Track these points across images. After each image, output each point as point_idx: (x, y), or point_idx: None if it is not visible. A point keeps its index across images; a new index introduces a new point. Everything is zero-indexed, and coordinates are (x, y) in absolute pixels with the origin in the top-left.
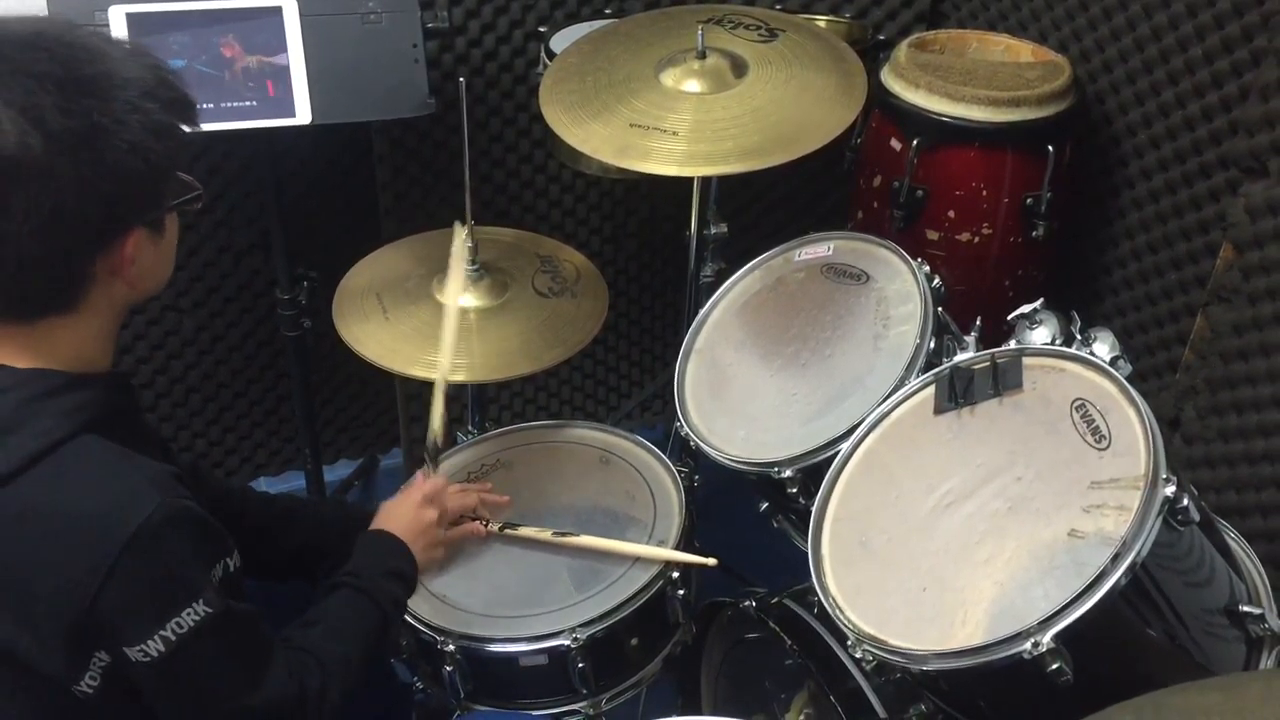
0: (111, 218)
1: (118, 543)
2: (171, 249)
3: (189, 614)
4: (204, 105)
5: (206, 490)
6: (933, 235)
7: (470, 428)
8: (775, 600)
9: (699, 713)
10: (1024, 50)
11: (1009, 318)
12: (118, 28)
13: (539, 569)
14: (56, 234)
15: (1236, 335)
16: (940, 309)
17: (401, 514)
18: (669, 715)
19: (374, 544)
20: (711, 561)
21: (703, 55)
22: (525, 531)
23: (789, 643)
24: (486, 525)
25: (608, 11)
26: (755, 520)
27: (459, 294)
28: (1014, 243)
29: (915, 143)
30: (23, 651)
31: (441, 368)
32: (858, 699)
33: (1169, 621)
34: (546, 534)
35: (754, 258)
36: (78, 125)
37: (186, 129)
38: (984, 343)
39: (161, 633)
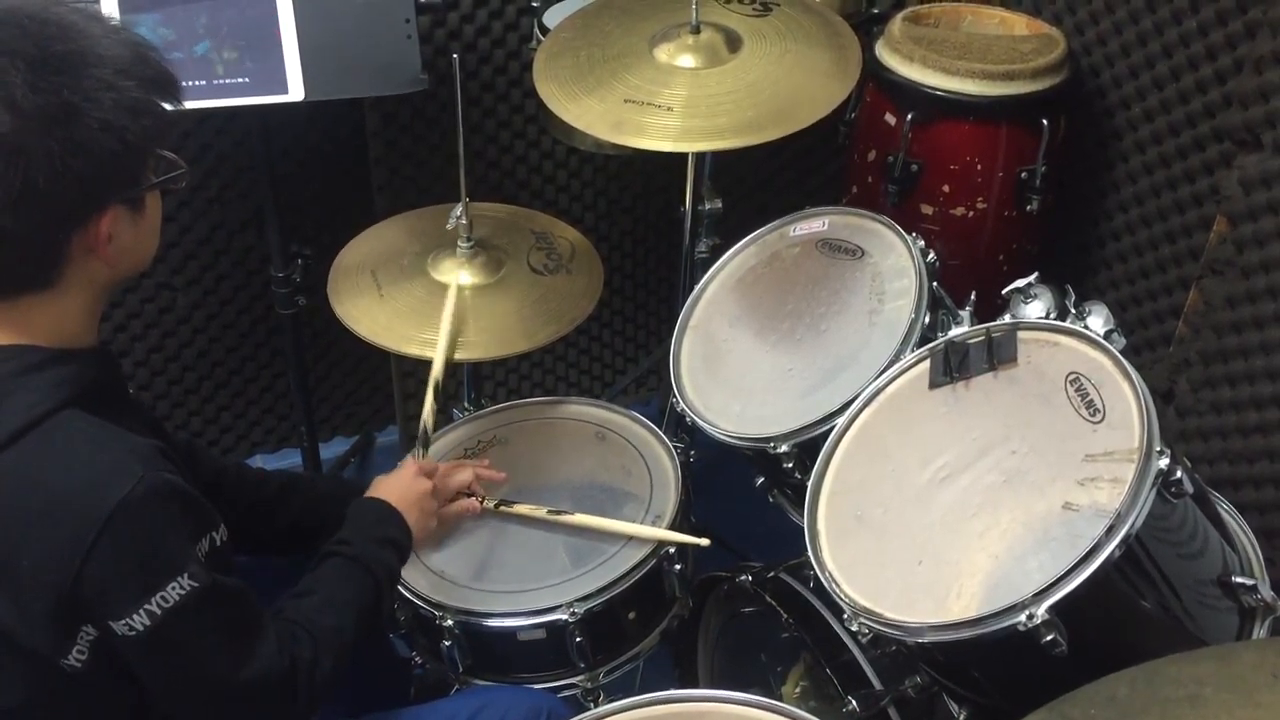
0: (85, 196)
1: (100, 517)
2: (153, 227)
3: (174, 588)
4: (196, 82)
5: (201, 467)
6: (927, 209)
7: (466, 404)
8: (771, 574)
9: (696, 685)
10: (1018, 23)
11: (1003, 292)
12: (109, 3)
13: (537, 544)
14: (28, 212)
15: (1230, 308)
16: (935, 283)
17: (395, 483)
18: (666, 688)
19: (367, 511)
20: (704, 542)
21: (697, 30)
22: (520, 509)
23: (785, 616)
24: (482, 502)
25: None
26: (751, 494)
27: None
28: (1008, 216)
29: (909, 117)
30: (9, 626)
31: (435, 366)
32: (853, 671)
33: (1162, 593)
34: (541, 512)
35: (748, 233)
36: (48, 103)
37: (169, 107)
38: (978, 317)
39: (146, 607)
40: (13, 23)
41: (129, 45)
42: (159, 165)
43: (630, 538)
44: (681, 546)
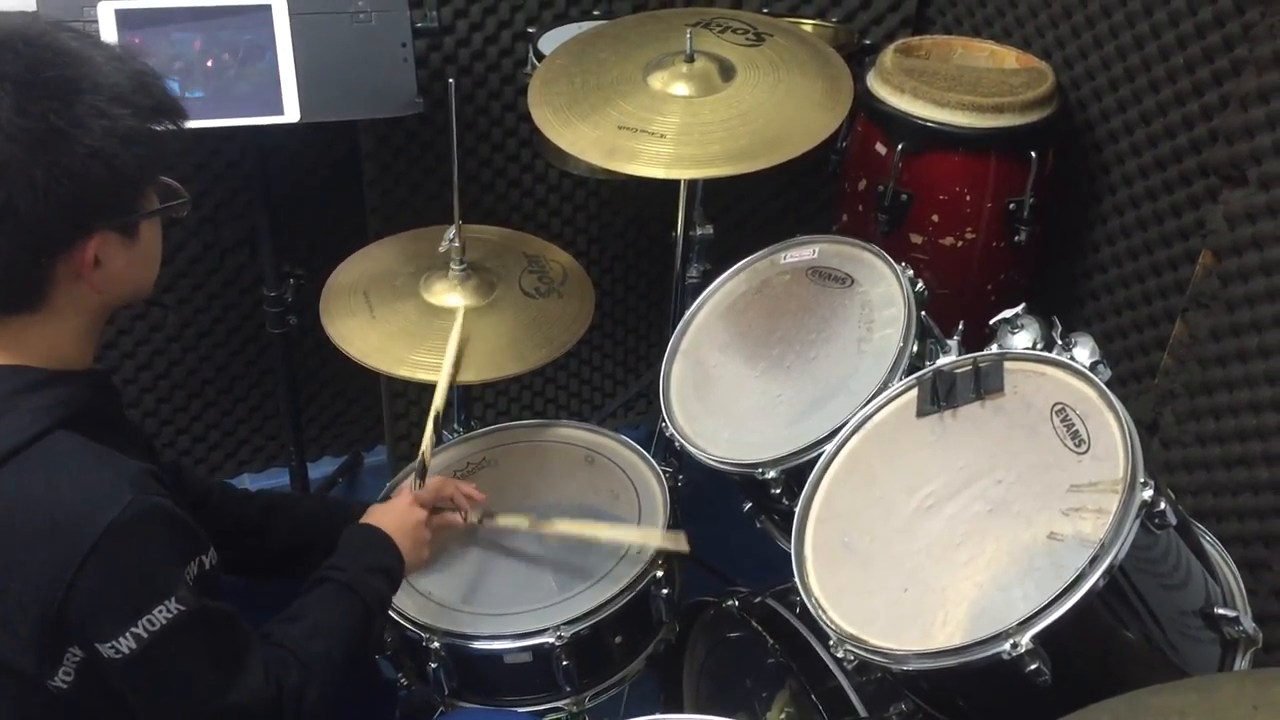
0: (70, 221)
1: (89, 539)
2: (148, 256)
3: (161, 611)
4: (192, 102)
5: (186, 487)
6: (917, 239)
7: (456, 426)
8: (758, 600)
9: (681, 710)
10: (1008, 56)
11: (991, 322)
12: (106, 24)
13: (524, 567)
14: (9, 233)
15: (1215, 341)
16: (923, 313)
17: (390, 511)
18: (651, 713)
19: (360, 538)
20: (684, 548)
21: (691, 58)
22: (503, 520)
23: (771, 642)
24: (465, 518)
25: (596, 13)
26: (738, 519)
27: (452, 363)
28: (996, 247)
29: (900, 147)
30: None
31: (436, 397)
32: (839, 698)
33: (1145, 623)
34: (524, 522)
35: (739, 258)
36: (34, 126)
37: (168, 137)
38: (966, 346)
39: (133, 630)
40: (7, 45)
41: (130, 74)
42: (156, 194)
43: (622, 554)
44: (669, 571)
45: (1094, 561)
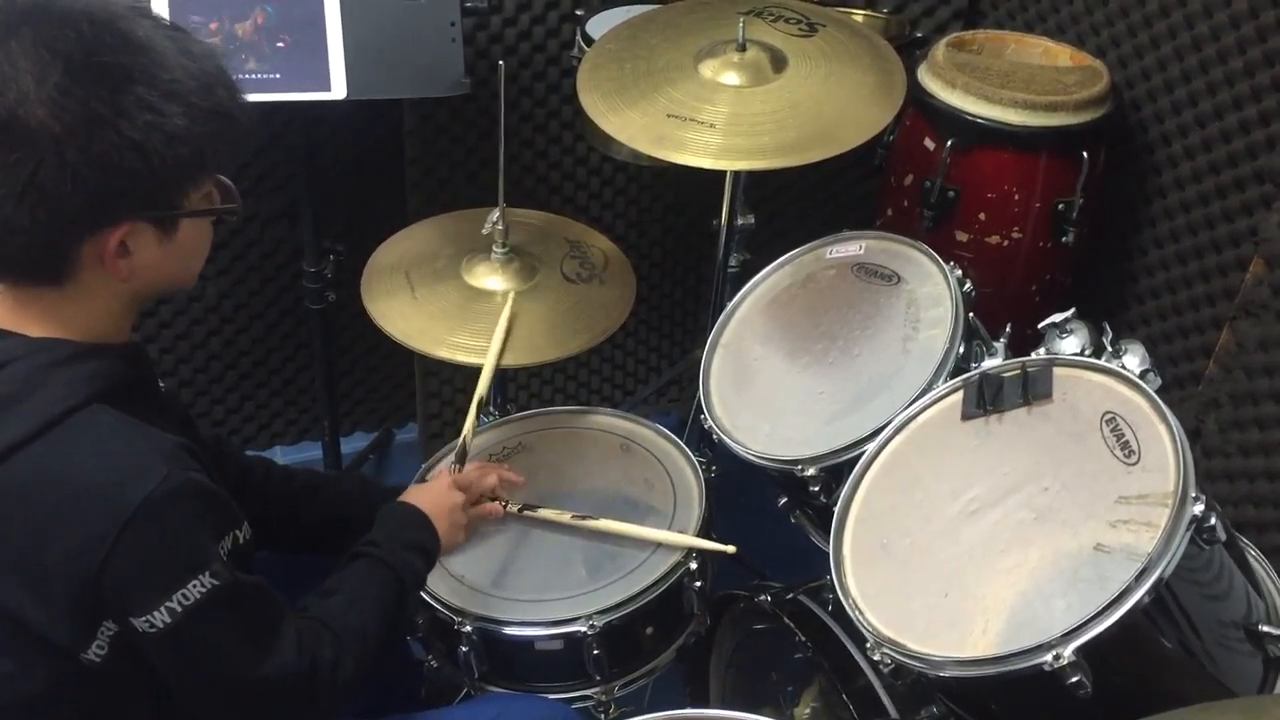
0: (96, 205)
1: (124, 514)
2: (187, 253)
3: (195, 586)
4: (238, 75)
5: (227, 464)
6: (962, 236)
7: (492, 409)
8: (790, 595)
9: (706, 703)
10: (1062, 54)
11: (1039, 325)
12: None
13: (558, 553)
14: (32, 207)
15: (1262, 350)
16: (970, 314)
17: (428, 492)
18: (675, 702)
19: (397, 515)
20: (730, 549)
21: (743, 48)
22: (544, 513)
23: (802, 638)
24: (505, 506)
25: None
26: (771, 512)
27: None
28: (1043, 247)
29: (949, 143)
30: (32, 619)
31: (481, 383)
32: (869, 697)
33: (1184, 632)
34: (565, 517)
35: (778, 248)
36: (74, 108)
37: (222, 141)
38: (1012, 349)
39: (167, 604)
40: (71, 24)
41: (197, 73)
42: (203, 194)
43: (657, 545)
44: (703, 563)
45: (1141, 576)
